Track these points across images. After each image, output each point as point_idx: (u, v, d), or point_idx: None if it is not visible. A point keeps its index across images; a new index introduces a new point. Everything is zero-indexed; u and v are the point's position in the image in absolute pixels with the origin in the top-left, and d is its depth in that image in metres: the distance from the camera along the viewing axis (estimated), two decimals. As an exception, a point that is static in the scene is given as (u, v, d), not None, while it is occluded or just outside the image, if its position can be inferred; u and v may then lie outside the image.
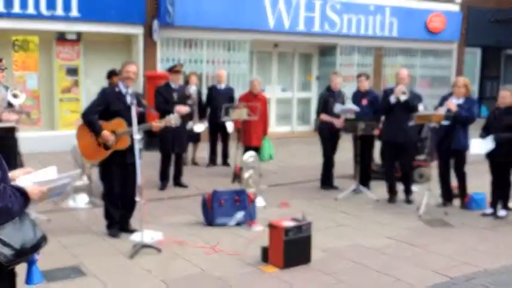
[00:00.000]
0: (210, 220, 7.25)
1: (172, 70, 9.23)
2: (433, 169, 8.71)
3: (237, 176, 8.88)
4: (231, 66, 14.83)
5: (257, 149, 9.87)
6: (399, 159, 8.80)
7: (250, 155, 8.39)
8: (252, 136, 9.90)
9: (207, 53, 14.55)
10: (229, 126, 10.63)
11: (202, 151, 11.77)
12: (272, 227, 5.88)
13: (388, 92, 8.79)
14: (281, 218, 6.39)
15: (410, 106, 8.44)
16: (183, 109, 8.86)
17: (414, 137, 8.93)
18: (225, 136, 11.24)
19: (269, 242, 5.89)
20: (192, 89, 10.71)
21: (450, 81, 19.09)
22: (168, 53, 14.03)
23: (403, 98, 8.39)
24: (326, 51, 17.10)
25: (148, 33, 13.60)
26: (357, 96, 9.63)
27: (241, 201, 7.27)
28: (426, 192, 8.24)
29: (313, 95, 17.31)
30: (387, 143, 8.78)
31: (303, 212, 6.49)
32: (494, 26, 20.21)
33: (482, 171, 9.52)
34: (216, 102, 10.89)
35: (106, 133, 6.45)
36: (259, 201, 8.10)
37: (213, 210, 7.20)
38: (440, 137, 8.45)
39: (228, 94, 11.04)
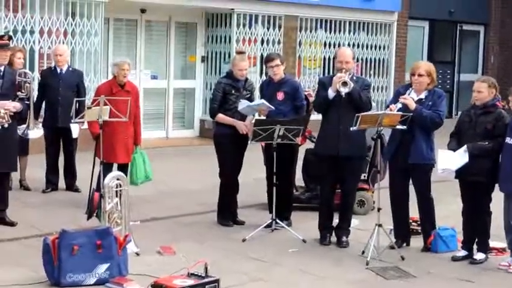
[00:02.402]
0: (56, 277, 7.01)
1: (-5, 43, 8.95)
2: (379, 193, 8.71)
3: (94, 208, 8.55)
4: (76, 39, 14.75)
5: (125, 167, 9.88)
6: (341, 180, 8.88)
7: (115, 177, 8.24)
8: (116, 147, 9.87)
9: (39, 19, 14.20)
10: (74, 130, 10.67)
11: (34, 168, 11.39)
12: (159, 288, 5.58)
13: (323, 82, 8.87)
14: (168, 272, 6.12)
15: (356, 102, 8.49)
16: (12, 106, 8.74)
17: (363, 148, 9.06)
18: (70, 145, 11.18)
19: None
20: (25, 73, 10.33)
21: (389, 66, 19.68)
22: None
23: (345, 90, 8.43)
24: (217, 21, 17.18)
25: None
26: (268, 88, 9.69)
27: (104, 247, 7.11)
28: (376, 227, 8.33)
29: (197, 84, 17.38)
30: (324, 158, 8.80)
31: (206, 264, 6.18)
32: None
33: (450, 195, 9.73)
34: (54, 94, 10.92)
35: None
36: (131, 246, 7.89)
37: (60, 263, 6.99)
38: (393, 147, 8.54)
39: (74, 81, 11.09)
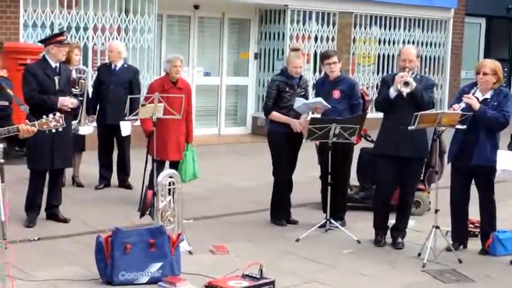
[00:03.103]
0: (109, 276, 7.03)
1: (54, 40, 8.98)
2: (437, 194, 8.57)
3: (147, 206, 8.57)
4: (129, 36, 14.86)
5: (176, 164, 9.92)
6: (400, 180, 8.77)
7: (168, 175, 8.27)
8: (169, 145, 9.89)
9: (93, 16, 14.33)
10: (125, 128, 10.78)
11: (89, 165, 11.51)
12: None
13: (386, 80, 8.80)
14: (221, 272, 6.08)
15: (418, 102, 8.38)
16: (70, 102, 8.90)
17: (425, 150, 8.91)
18: (122, 142, 11.27)
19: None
20: (81, 70, 10.51)
21: (444, 64, 19.48)
22: (33, 13, 13.76)
23: (406, 90, 8.32)
24: (270, 17, 17.17)
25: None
26: (323, 86, 9.62)
27: (157, 245, 7.13)
28: (433, 229, 8.24)
29: (250, 81, 17.36)
30: (384, 157, 8.69)
31: (261, 265, 6.12)
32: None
33: (508, 197, 9.58)
34: (105, 90, 11.06)
35: None
36: (183, 245, 7.92)
37: (113, 261, 7.01)
38: (456, 147, 8.42)
39: (126, 78, 11.16)
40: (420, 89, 8.41)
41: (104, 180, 11.24)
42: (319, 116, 9.32)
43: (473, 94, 8.24)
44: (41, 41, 9.37)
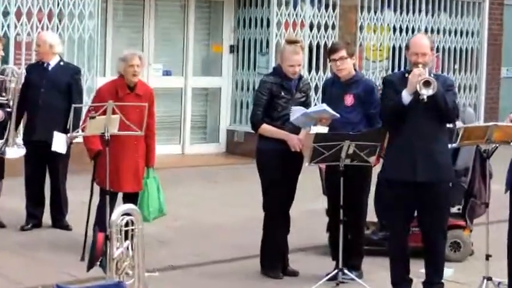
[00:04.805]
0: None
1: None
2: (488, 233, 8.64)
3: (98, 255, 8.39)
4: (64, 23, 14.92)
5: (132, 197, 9.94)
6: (420, 215, 8.75)
7: (124, 212, 8.08)
8: (124, 171, 9.97)
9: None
10: (58, 141, 10.61)
11: (12, 198, 11.47)
12: None
13: (391, 80, 8.78)
14: None
15: (441, 108, 8.32)
16: None
17: (450, 170, 8.88)
18: (56, 166, 11.19)
19: None
20: (8, 71, 10.69)
21: (479, 58, 19.53)
22: None
23: (427, 93, 8.23)
24: (250, -1, 17.47)
25: None
26: (332, 90, 9.62)
27: None
28: (484, 281, 8.28)
29: (224, 82, 17.51)
30: (397, 185, 8.63)
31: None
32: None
33: None
34: (35, 97, 11.06)
35: None
36: None
37: None
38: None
39: (62, 81, 11.16)
40: (442, 90, 8.39)
41: (32, 219, 11.17)
42: (325, 129, 9.33)
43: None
44: None
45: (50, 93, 10.88)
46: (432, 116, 8.36)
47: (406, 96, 8.37)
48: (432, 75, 8.57)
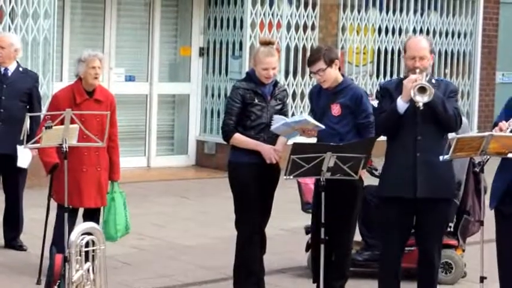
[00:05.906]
0: None
1: None
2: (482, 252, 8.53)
3: (56, 278, 8.43)
4: (16, 23, 14.93)
5: (93, 213, 10.00)
6: (418, 234, 8.78)
7: (85, 230, 8.14)
8: (85, 185, 9.95)
9: None
10: (23, 157, 10.75)
11: None
12: None
13: (388, 88, 8.81)
14: None
15: (440, 116, 8.39)
16: None
17: (452, 185, 8.93)
18: (14, 181, 11.25)
19: None
20: None
21: (472, 61, 19.66)
22: None
23: (423, 100, 8.29)
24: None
25: None
26: (319, 99, 9.57)
27: None
28: None
29: (193, 88, 17.60)
30: (393, 202, 8.65)
31: None
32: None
33: None
34: None
35: None
36: None
37: None
38: (502, 186, 8.32)
39: (24, 88, 11.23)
40: (441, 97, 8.44)
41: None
42: (312, 140, 9.31)
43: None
44: None
45: (10, 102, 10.91)
46: (431, 124, 8.43)
47: (401, 105, 8.43)
48: (433, 80, 8.63)
